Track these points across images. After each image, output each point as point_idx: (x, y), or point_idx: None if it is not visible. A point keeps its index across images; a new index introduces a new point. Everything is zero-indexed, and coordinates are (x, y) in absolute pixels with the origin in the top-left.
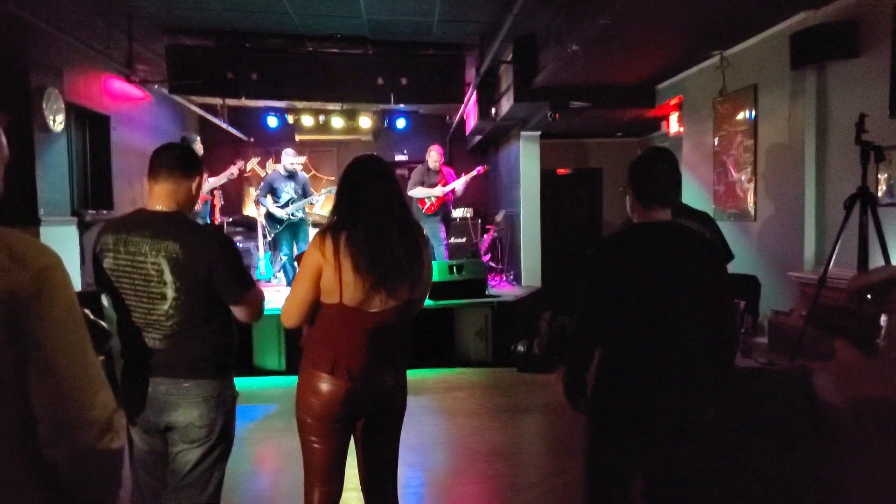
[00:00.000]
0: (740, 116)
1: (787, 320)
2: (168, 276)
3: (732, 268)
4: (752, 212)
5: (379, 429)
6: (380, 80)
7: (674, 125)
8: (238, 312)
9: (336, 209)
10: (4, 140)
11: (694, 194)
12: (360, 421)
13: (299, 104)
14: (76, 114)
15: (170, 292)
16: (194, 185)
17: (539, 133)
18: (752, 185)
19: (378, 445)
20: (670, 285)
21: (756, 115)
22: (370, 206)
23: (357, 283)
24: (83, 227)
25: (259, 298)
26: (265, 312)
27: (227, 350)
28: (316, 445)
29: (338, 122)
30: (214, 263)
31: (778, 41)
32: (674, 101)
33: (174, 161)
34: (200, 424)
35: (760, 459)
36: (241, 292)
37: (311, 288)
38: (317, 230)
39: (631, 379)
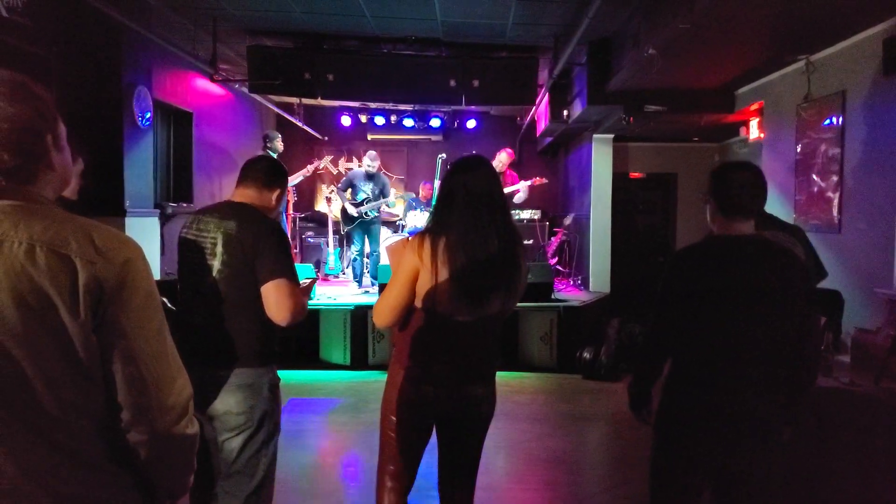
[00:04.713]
0: (826, 123)
1: (872, 339)
2: (219, 248)
3: None
4: (837, 223)
5: (463, 436)
6: (452, 82)
7: (754, 131)
8: (268, 299)
9: (436, 211)
10: (82, 164)
11: (773, 203)
12: (446, 424)
13: (372, 104)
14: (162, 111)
15: (216, 264)
16: (274, 196)
17: (612, 136)
18: (837, 196)
19: (460, 451)
20: (749, 301)
21: (844, 123)
22: (471, 211)
23: (453, 291)
24: (164, 219)
25: (292, 292)
26: (332, 307)
27: (265, 339)
28: (394, 443)
29: (409, 121)
30: (260, 239)
31: (870, 46)
32: (754, 107)
33: (259, 172)
34: (238, 412)
35: (836, 484)
36: (271, 273)
37: (407, 290)
38: (388, 228)
39: (703, 394)
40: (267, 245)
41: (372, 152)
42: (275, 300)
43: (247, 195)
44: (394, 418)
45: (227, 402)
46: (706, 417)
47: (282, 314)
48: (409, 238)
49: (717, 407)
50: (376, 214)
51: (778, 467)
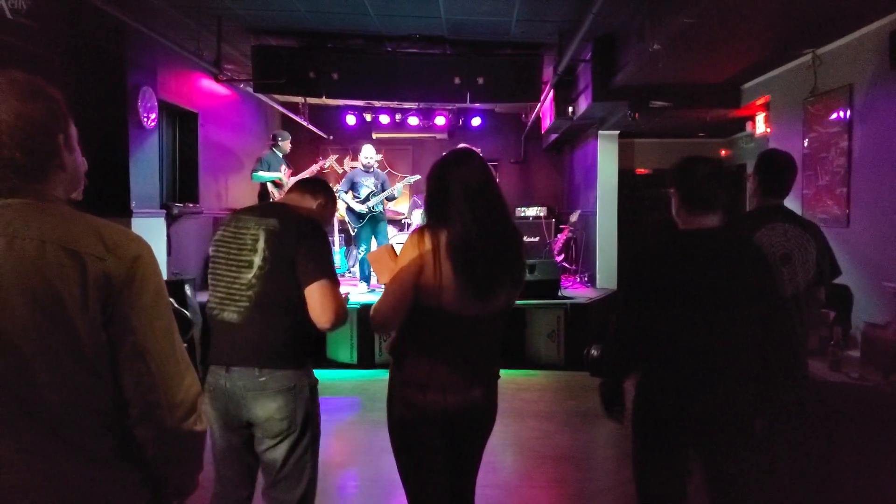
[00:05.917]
0: (833, 117)
1: (882, 333)
2: (261, 244)
3: None
4: (845, 217)
5: (466, 443)
6: (457, 80)
7: (760, 126)
8: (313, 301)
9: (432, 206)
10: (86, 165)
11: None
12: (451, 431)
13: (377, 103)
14: (167, 111)
15: (257, 260)
16: (316, 203)
17: (617, 132)
18: (845, 190)
19: (462, 458)
20: (715, 295)
21: (851, 116)
22: (470, 204)
23: (458, 286)
24: (171, 220)
25: (336, 294)
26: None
27: (305, 339)
28: (415, 464)
29: (413, 120)
30: (302, 238)
31: (876, 39)
32: (760, 101)
33: (304, 182)
34: (280, 417)
35: (843, 479)
36: (315, 274)
37: (410, 288)
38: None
39: (674, 389)
40: (309, 244)
41: (368, 146)
42: (320, 302)
43: (288, 198)
44: (404, 435)
45: (269, 408)
46: (680, 415)
47: (326, 316)
48: (404, 238)
49: (688, 402)
50: (382, 209)
51: (761, 461)
